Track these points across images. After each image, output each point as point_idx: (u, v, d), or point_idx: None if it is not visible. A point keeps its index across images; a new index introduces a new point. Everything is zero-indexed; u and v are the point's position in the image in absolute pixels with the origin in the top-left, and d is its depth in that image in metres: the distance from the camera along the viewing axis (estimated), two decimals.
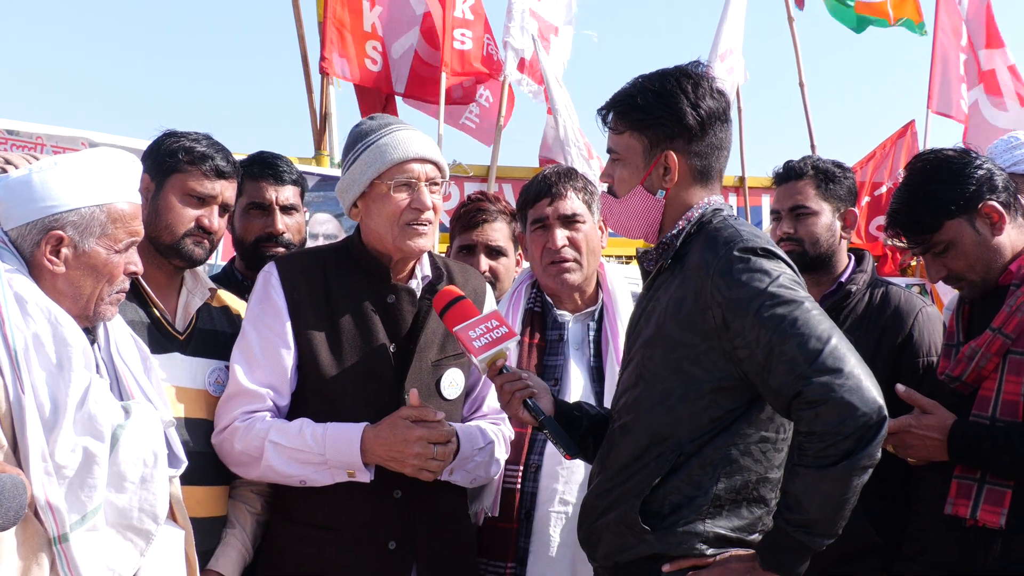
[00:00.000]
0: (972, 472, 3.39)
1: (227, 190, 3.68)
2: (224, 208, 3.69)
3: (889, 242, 9.51)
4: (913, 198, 3.57)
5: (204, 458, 3.46)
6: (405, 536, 3.44)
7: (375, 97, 9.71)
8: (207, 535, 3.46)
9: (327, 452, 3.36)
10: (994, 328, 3.40)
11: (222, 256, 6.82)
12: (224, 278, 4.36)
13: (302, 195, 4.47)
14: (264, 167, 4.37)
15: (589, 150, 9.24)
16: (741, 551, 2.93)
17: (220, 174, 3.63)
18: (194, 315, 3.67)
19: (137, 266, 3.01)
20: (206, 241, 3.63)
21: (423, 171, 3.49)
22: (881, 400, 2.75)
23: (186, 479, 3.19)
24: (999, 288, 3.50)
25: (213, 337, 3.68)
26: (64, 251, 2.86)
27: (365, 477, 3.39)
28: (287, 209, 4.35)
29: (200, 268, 3.79)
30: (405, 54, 9.72)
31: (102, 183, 2.92)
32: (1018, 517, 3.31)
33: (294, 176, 4.41)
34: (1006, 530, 3.31)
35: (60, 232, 2.85)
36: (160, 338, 3.53)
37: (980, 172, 3.49)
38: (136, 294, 3.51)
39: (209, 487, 3.52)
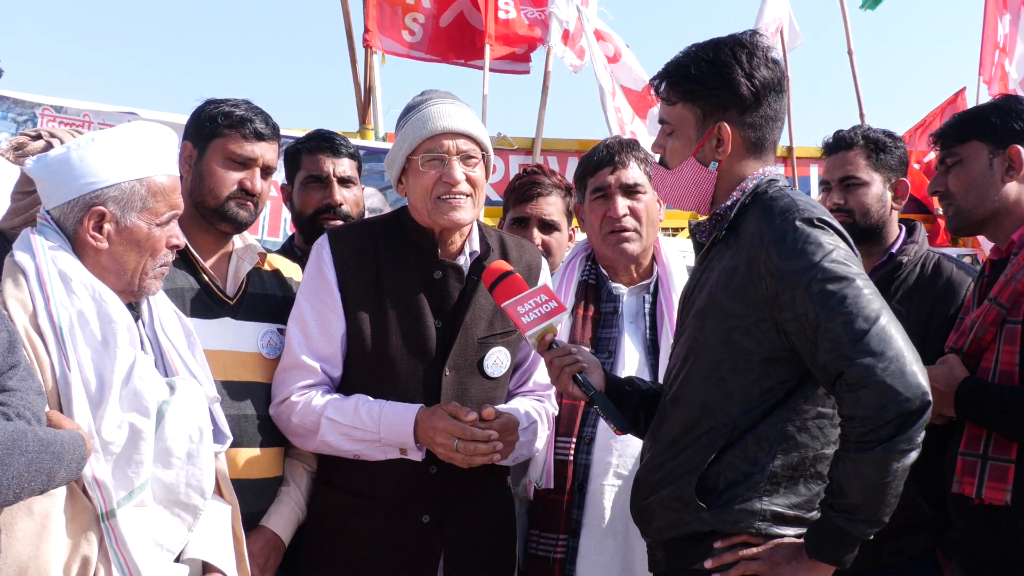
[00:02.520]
0: (975, 448, 3.36)
1: (268, 152, 3.71)
2: (266, 171, 3.72)
3: (940, 211, 9.38)
4: (970, 112, 3.68)
5: (259, 420, 3.51)
6: (437, 511, 3.47)
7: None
8: (263, 496, 3.53)
9: (382, 431, 3.40)
10: (991, 298, 3.38)
11: (269, 231, 6.84)
12: (284, 254, 4.40)
13: (359, 169, 4.51)
14: (321, 140, 4.44)
15: (621, 126, 9.15)
16: (789, 539, 2.90)
17: (259, 136, 3.67)
18: (244, 280, 3.70)
19: (179, 239, 3.01)
20: (250, 203, 3.66)
21: (454, 145, 3.48)
22: (926, 385, 2.70)
23: (243, 442, 3.26)
24: (1006, 258, 3.48)
25: (264, 301, 3.72)
26: (107, 227, 2.86)
27: (417, 456, 3.43)
28: (344, 181, 4.39)
29: (248, 233, 3.83)
30: (455, 20, 9.69)
31: (140, 157, 2.91)
32: (1023, 493, 3.26)
33: (351, 150, 4.47)
34: (1012, 507, 3.26)
35: (102, 208, 2.85)
36: (210, 303, 3.58)
37: None
38: (186, 261, 3.55)
39: (265, 449, 3.55)
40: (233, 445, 3.21)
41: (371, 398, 3.45)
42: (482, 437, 3.36)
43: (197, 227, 3.56)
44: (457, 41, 9.79)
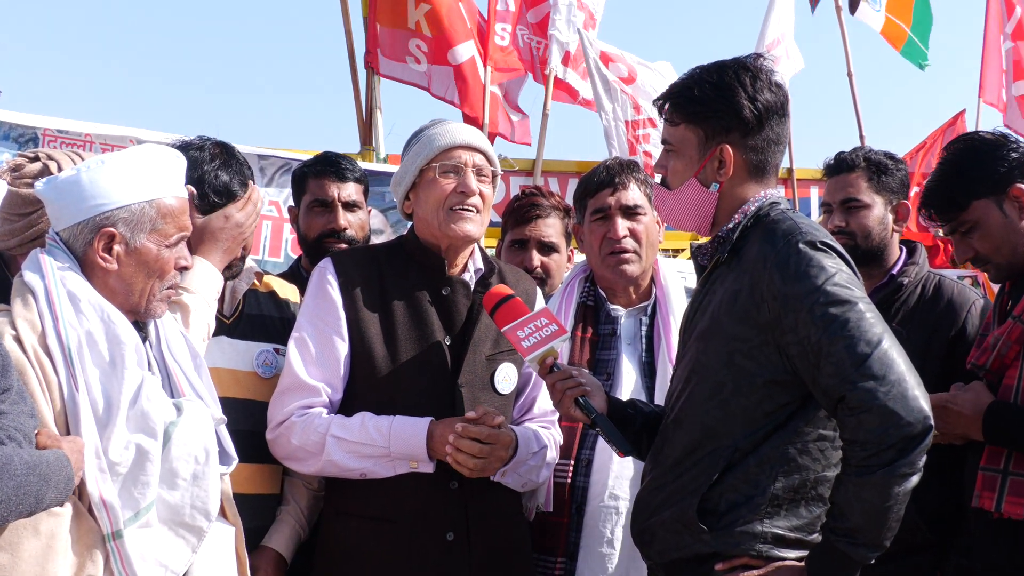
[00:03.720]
0: (996, 463, 3.37)
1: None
2: None
3: (941, 232, 9.39)
4: (944, 176, 3.61)
5: (252, 437, 3.49)
6: (461, 527, 3.44)
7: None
8: (256, 512, 3.51)
9: (392, 445, 3.37)
10: (1015, 316, 3.39)
11: (270, 252, 6.85)
12: (291, 275, 4.44)
13: (365, 193, 4.52)
14: (327, 165, 4.46)
15: (632, 146, 9.18)
16: (790, 562, 2.90)
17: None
18: (241, 300, 3.73)
19: (187, 261, 3.02)
20: None
21: (470, 158, 3.53)
22: (928, 409, 2.71)
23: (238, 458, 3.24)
24: None
25: (260, 321, 3.74)
26: (116, 248, 2.87)
27: (428, 468, 3.40)
28: (349, 206, 4.42)
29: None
30: (469, 62, 9.71)
31: (150, 179, 2.93)
32: None
33: (357, 174, 4.49)
34: None
35: (112, 229, 2.86)
36: None
37: (1014, 155, 3.52)
38: None
39: (258, 465, 3.55)
40: None
41: (375, 415, 3.44)
42: (475, 434, 3.34)
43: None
44: (470, 86, 9.80)
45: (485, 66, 9.51)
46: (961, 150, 3.64)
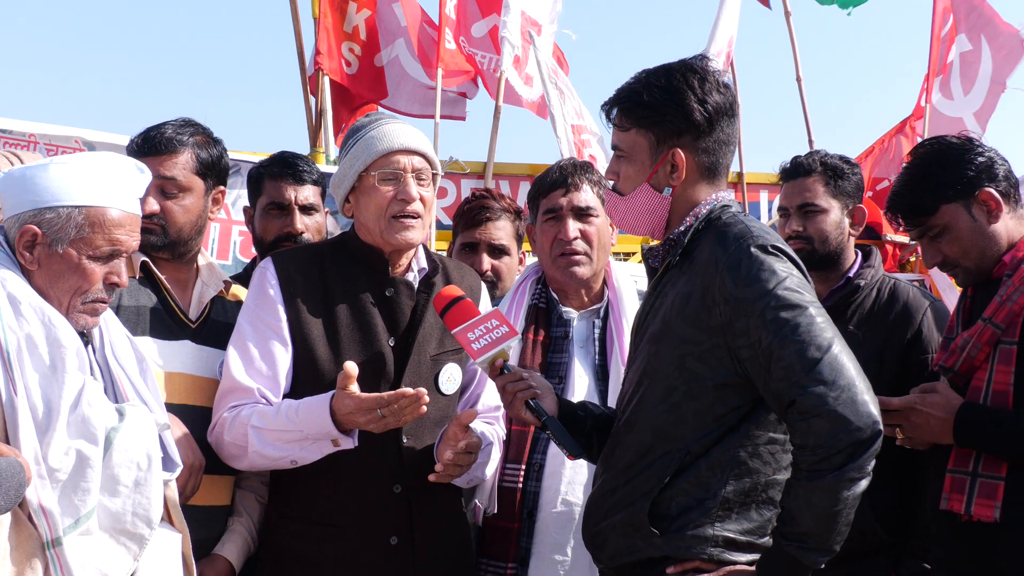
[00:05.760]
0: (965, 465, 3.37)
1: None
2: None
3: (888, 237, 9.48)
4: (912, 181, 3.60)
5: (209, 446, 3.45)
6: (405, 531, 3.42)
7: (350, 99, 9.80)
8: (208, 523, 3.47)
9: (301, 424, 3.30)
10: (985, 318, 3.38)
11: (218, 254, 6.78)
12: (245, 277, 4.33)
13: (323, 195, 4.45)
14: (284, 167, 4.36)
15: (579, 150, 9.18)
16: (741, 566, 2.90)
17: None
18: (207, 305, 3.68)
19: (120, 278, 2.95)
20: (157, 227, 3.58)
21: (409, 163, 3.47)
22: (877, 414, 2.72)
23: None
24: (993, 280, 3.49)
25: (226, 328, 3.66)
26: (37, 248, 2.83)
27: (349, 443, 3.31)
28: (306, 209, 4.34)
29: (215, 262, 3.83)
30: (391, 63, 9.78)
31: (93, 186, 2.87)
32: (1012, 510, 3.28)
33: (314, 176, 4.40)
34: (1000, 523, 3.28)
35: (35, 228, 2.81)
36: (171, 324, 3.57)
37: (980, 159, 3.52)
38: (150, 280, 3.55)
39: (212, 476, 3.49)
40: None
41: (293, 400, 3.37)
42: (398, 396, 3.19)
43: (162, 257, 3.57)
44: (395, 84, 9.90)
45: (436, 67, 9.53)
46: (928, 154, 3.63)
